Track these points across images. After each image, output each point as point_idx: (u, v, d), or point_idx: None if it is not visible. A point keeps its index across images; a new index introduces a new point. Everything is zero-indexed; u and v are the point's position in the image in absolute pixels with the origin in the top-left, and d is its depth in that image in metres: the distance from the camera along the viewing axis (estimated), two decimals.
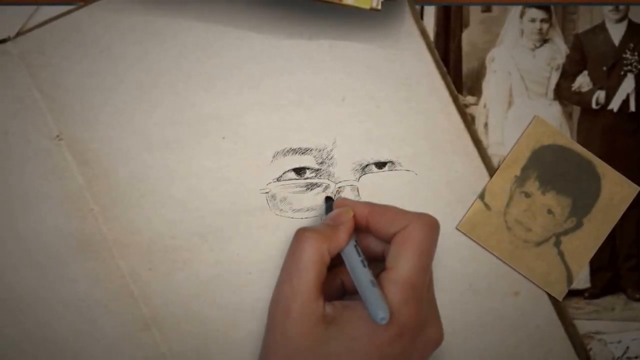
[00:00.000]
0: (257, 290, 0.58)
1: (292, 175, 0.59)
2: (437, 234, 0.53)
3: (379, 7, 0.56)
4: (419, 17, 0.61)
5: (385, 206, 0.55)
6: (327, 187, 0.59)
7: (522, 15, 0.62)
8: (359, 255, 0.52)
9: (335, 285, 0.55)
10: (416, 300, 0.51)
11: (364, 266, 0.52)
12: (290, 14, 0.59)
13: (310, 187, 0.59)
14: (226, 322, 0.58)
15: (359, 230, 0.55)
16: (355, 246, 0.53)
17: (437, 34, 0.61)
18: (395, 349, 0.50)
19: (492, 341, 0.60)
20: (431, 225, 0.53)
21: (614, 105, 0.62)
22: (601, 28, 0.62)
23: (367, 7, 0.56)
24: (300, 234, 0.52)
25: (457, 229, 0.60)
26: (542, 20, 0.62)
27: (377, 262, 0.53)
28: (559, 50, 0.62)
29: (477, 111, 0.61)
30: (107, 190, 0.58)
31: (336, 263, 0.53)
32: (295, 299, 0.51)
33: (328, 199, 0.58)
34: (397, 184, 0.60)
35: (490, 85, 0.61)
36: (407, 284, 0.51)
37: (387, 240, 0.53)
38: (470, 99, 0.61)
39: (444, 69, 0.60)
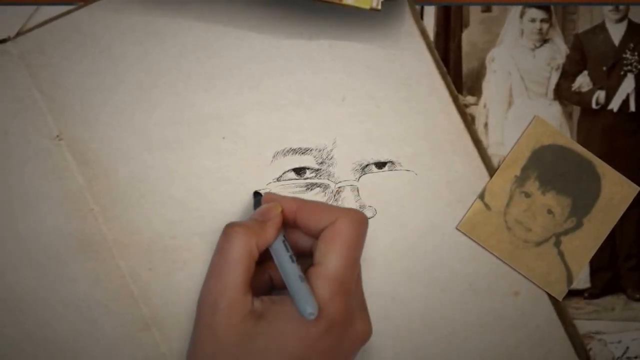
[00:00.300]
0: None
1: (292, 175, 0.59)
2: (365, 229, 0.53)
3: (379, 7, 0.56)
4: (419, 17, 0.61)
5: (313, 202, 0.55)
6: (327, 187, 0.59)
7: (522, 15, 0.62)
8: (287, 251, 0.52)
9: (263, 280, 0.55)
10: (344, 295, 0.51)
11: (292, 261, 0.52)
12: (290, 14, 0.60)
13: (310, 187, 0.59)
14: None
15: (288, 225, 0.55)
16: (284, 241, 0.53)
17: (437, 34, 0.61)
18: (324, 343, 0.50)
19: (492, 341, 0.60)
20: (359, 221, 0.53)
21: (614, 105, 0.62)
22: (601, 28, 0.62)
23: (367, 7, 0.56)
24: (229, 229, 0.52)
25: (457, 229, 0.60)
26: (542, 20, 0.62)
27: (305, 258, 0.53)
28: (559, 50, 0.62)
29: (477, 111, 0.61)
30: (107, 190, 0.58)
31: (265, 258, 0.53)
32: (223, 294, 0.50)
33: (256, 194, 0.57)
34: (397, 184, 0.60)
35: (490, 85, 0.61)
36: (335, 279, 0.51)
37: (315, 236, 0.53)
38: (470, 99, 0.61)
39: (444, 69, 0.60)
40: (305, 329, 0.50)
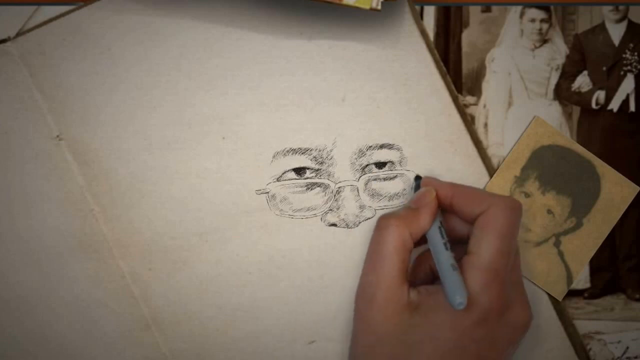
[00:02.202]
0: (257, 290, 0.58)
1: (292, 175, 0.59)
2: (520, 216, 0.53)
3: (379, 7, 0.56)
4: (419, 17, 0.61)
5: (468, 187, 0.55)
6: (327, 187, 0.59)
7: (522, 15, 0.62)
8: (442, 238, 0.52)
9: (424, 270, 0.55)
10: (498, 285, 0.50)
11: (446, 249, 0.51)
12: (290, 15, 0.60)
13: (310, 187, 0.59)
14: (226, 322, 0.58)
15: (445, 210, 0.54)
16: (440, 228, 0.53)
17: (437, 34, 0.61)
18: (478, 333, 0.50)
19: None
20: (513, 208, 0.52)
21: (614, 105, 0.62)
22: (601, 28, 0.62)
23: (367, 7, 0.56)
24: (382, 222, 0.52)
25: None
26: (542, 21, 0.62)
27: (463, 244, 0.53)
28: (558, 50, 0.62)
29: (477, 111, 0.61)
30: (107, 190, 0.58)
31: (427, 247, 0.53)
32: (379, 287, 0.51)
33: (417, 178, 0.57)
34: (397, 184, 0.60)
35: (490, 86, 0.61)
36: (488, 269, 0.50)
37: (471, 222, 0.53)
38: (470, 99, 0.61)
39: (444, 69, 0.60)
40: (458, 320, 0.50)
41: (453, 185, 0.55)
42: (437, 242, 0.52)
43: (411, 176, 0.60)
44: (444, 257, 0.51)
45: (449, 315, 0.50)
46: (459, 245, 0.53)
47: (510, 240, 0.52)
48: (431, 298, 0.51)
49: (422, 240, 0.53)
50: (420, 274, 0.55)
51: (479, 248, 0.51)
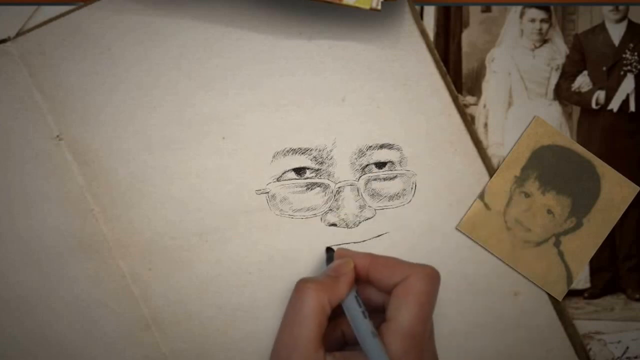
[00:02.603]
0: (257, 290, 0.58)
1: (292, 175, 0.59)
2: (438, 285, 0.54)
3: (379, 7, 0.56)
4: (419, 17, 0.61)
5: (385, 258, 0.55)
6: (327, 187, 0.59)
7: (522, 15, 0.62)
8: (360, 307, 0.53)
9: (335, 336, 0.55)
10: (417, 351, 0.51)
11: (365, 317, 0.52)
12: (290, 15, 0.60)
13: (310, 187, 0.59)
14: (226, 322, 0.58)
15: (360, 281, 0.55)
16: (356, 297, 0.53)
17: (437, 34, 0.61)
18: None
19: (492, 341, 0.60)
20: (432, 277, 0.53)
21: (614, 105, 0.62)
22: (601, 28, 0.62)
23: (367, 7, 0.56)
24: (302, 285, 0.52)
25: (457, 229, 0.60)
26: (542, 21, 0.62)
27: (378, 313, 0.54)
28: (558, 50, 0.62)
29: (477, 111, 0.61)
30: (107, 190, 0.58)
31: (337, 314, 0.54)
32: (296, 349, 0.51)
33: (329, 250, 0.58)
34: (397, 184, 0.60)
35: (490, 86, 0.61)
36: (408, 334, 0.51)
37: (388, 292, 0.53)
38: (470, 99, 0.61)
39: (444, 69, 0.60)
40: None
41: (369, 255, 0.55)
42: (355, 311, 0.53)
43: (412, 176, 0.60)
44: (363, 325, 0.52)
45: None
46: (374, 313, 0.53)
47: (429, 308, 0.53)
48: None
49: (335, 310, 0.53)
50: (332, 340, 0.55)
51: (399, 315, 0.51)
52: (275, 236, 0.59)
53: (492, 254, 0.60)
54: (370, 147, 0.60)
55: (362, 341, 0.51)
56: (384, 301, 0.54)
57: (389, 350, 0.50)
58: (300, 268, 0.59)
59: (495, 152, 0.61)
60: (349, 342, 0.55)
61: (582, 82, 0.62)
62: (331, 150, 0.59)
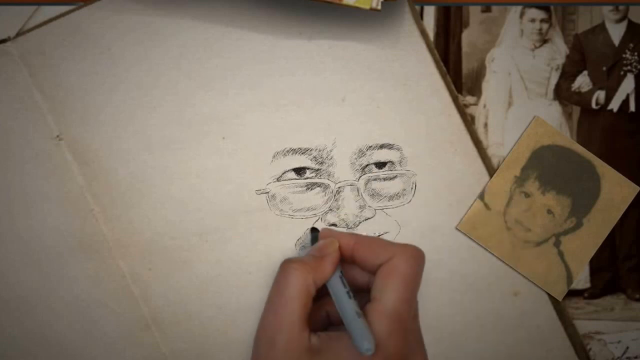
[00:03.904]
0: (257, 290, 0.58)
1: (292, 175, 0.59)
2: (422, 265, 0.53)
3: (379, 7, 0.56)
4: (419, 17, 0.61)
5: (370, 238, 0.56)
6: (327, 187, 0.59)
7: (522, 15, 0.62)
8: (345, 287, 0.53)
9: (320, 316, 0.55)
10: (402, 331, 0.51)
11: (350, 297, 0.52)
12: (290, 15, 0.60)
13: (310, 187, 0.59)
14: (226, 322, 0.58)
15: (345, 261, 0.55)
16: (341, 277, 0.53)
17: (437, 34, 0.61)
18: None
19: (492, 341, 0.60)
20: (416, 257, 0.53)
21: (614, 105, 0.62)
22: (601, 28, 0.62)
23: (367, 7, 0.56)
24: (286, 265, 0.52)
25: (457, 229, 0.60)
26: (542, 21, 0.62)
27: (363, 294, 0.53)
28: (558, 50, 0.62)
29: (477, 111, 0.61)
30: (107, 190, 0.58)
31: (322, 294, 0.53)
32: (281, 330, 0.51)
33: (314, 230, 0.58)
34: (397, 184, 0.60)
35: (490, 86, 0.61)
36: (392, 315, 0.51)
37: (373, 272, 0.53)
38: (470, 99, 0.61)
39: (444, 69, 0.60)
40: None
41: (354, 236, 0.55)
42: (340, 291, 0.52)
43: (412, 176, 0.60)
44: (348, 305, 0.51)
45: (353, 359, 0.50)
46: (359, 294, 0.53)
47: (414, 288, 0.52)
48: (333, 343, 0.51)
49: (319, 290, 0.53)
50: (316, 321, 0.55)
51: (383, 295, 0.51)
52: (275, 236, 0.59)
53: (492, 254, 0.60)
54: (370, 147, 0.60)
55: (347, 321, 0.51)
56: (369, 281, 0.54)
57: (373, 330, 0.50)
58: None
59: (495, 152, 0.61)
60: (333, 323, 0.55)
61: (582, 82, 0.62)
62: (331, 150, 0.59)
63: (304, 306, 0.51)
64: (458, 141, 0.60)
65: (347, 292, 0.52)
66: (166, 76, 0.59)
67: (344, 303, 0.52)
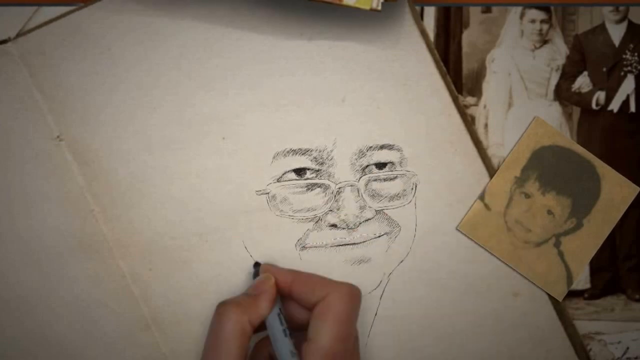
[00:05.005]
0: None
1: (292, 175, 0.59)
2: (358, 302, 0.53)
3: (379, 7, 0.56)
4: (419, 17, 0.61)
5: (308, 275, 0.55)
6: (327, 188, 0.59)
7: (522, 16, 0.62)
8: (281, 325, 0.52)
9: (263, 355, 0.55)
10: None
11: (285, 335, 0.52)
12: (290, 15, 0.60)
13: (311, 187, 0.59)
14: None
15: (285, 297, 0.55)
16: (279, 315, 0.53)
17: (437, 35, 0.61)
18: None
19: (492, 341, 0.60)
20: (351, 295, 0.53)
21: (614, 106, 0.62)
22: (601, 29, 0.62)
23: (367, 7, 0.56)
24: (220, 309, 0.52)
25: (457, 229, 0.60)
26: (542, 21, 0.62)
27: (303, 331, 0.53)
28: (558, 51, 0.62)
29: (477, 112, 0.61)
30: (107, 190, 0.58)
31: (265, 332, 0.53)
32: None
33: (256, 265, 0.57)
34: (397, 184, 0.60)
35: (490, 86, 0.61)
36: (327, 355, 0.50)
37: (310, 309, 0.53)
38: (470, 99, 0.61)
39: (444, 69, 0.60)
40: None
41: (292, 272, 0.55)
42: (276, 329, 0.52)
43: (412, 177, 0.60)
44: (283, 345, 0.51)
45: None
46: (299, 332, 0.53)
47: (349, 327, 0.52)
48: None
49: (262, 326, 0.53)
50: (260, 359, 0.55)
51: (317, 334, 0.51)
52: (275, 236, 0.59)
53: (492, 254, 0.60)
54: (371, 147, 0.60)
55: None
56: (308, 318, 0.53)
57: None
58: (299, 268, 0.58)
59: (496, 152, 0.61)
60: None
61: (582, 82, 0.62)
62: (331, 151, 0.59)
63: (240, 347, 0.51)
64: (458, 141, 0.60)
65: (284, 330, 0.52)
66: (166, 76, 0.59)
67: (280, 342, 0.52)
